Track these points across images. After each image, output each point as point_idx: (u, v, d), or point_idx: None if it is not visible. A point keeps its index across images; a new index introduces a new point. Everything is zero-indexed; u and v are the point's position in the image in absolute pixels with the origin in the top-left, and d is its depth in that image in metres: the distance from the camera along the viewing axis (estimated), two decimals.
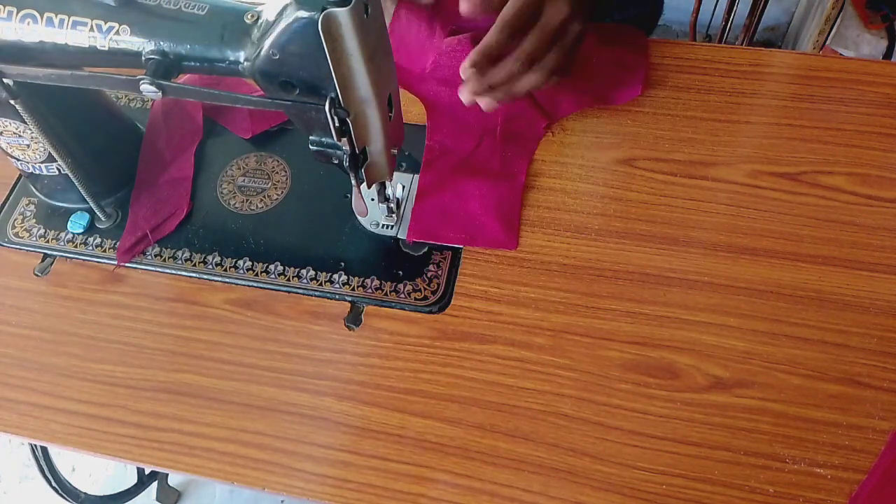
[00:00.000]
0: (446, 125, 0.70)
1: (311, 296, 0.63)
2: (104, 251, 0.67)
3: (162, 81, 0.51)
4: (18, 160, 0.65)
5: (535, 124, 0.70)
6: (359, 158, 0.55)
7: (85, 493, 1.17)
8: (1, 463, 1.43)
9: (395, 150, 0.58)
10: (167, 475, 1.33)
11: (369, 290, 0.63)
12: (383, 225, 0.66)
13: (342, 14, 0.45)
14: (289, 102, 0.51)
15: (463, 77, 0.58)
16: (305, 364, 0.60)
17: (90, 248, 0.67)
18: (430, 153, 0.69)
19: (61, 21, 0.52)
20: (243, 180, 0.70)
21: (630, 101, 0.71)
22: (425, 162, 0.68)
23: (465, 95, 0.60)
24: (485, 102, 0.60)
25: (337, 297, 0.63)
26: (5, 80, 0.55)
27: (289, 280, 0.64)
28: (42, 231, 0.68)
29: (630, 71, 0.71)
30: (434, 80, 0.72)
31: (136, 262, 0.66)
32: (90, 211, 0.68)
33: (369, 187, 0.60)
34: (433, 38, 0.71)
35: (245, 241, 0.66)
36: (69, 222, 0.68)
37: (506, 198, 0.66)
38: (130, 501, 1.30)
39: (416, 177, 0.68)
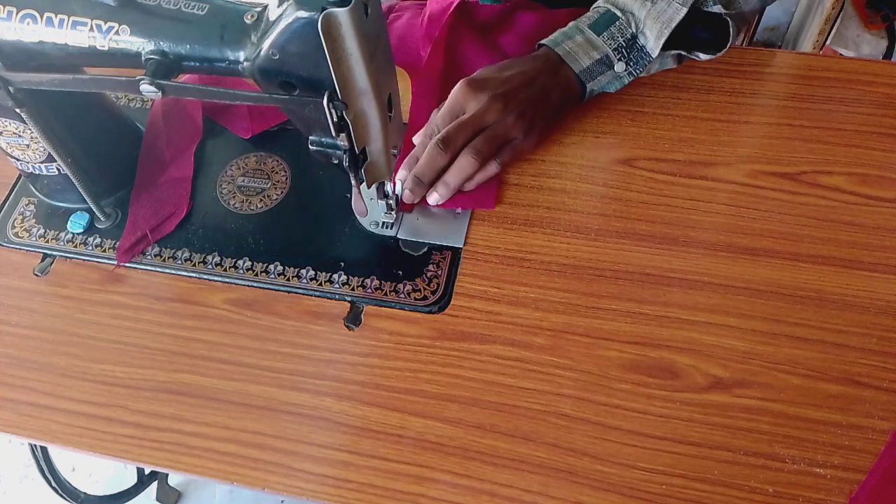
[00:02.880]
0: (428, 92, 0.70)
1: (311, 296, 0.63)
2: (104, 251, 0.67)
3: (162, 81, 0.51)
4: (18, 160, 0.65)
5: None
6: (359, 158, 0.55)
7: (85, 493, 1.17)
8: (1, 463, 1.43)
9: (395, 150, 0.58)
10: (167, 475, 1.33)
11: (369, 290, 0.63)
12: (383, 225, 0.66)
13: (342, 14, 0.45)
14: (287, 98, 0.51)
15: (399, 180, 0.65)
16: (305, 364, 0.60)
17: (90, 248, 0.67)
18: (413, 118, 0.69)
19: (61, 21, 0.52)
20: (243, 180, 0.70)
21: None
22: (409, 128, 0.69)
23: (405, 195, 0.65)
24: (431, 199, 0.65)
25: (337, 297, 0.63)
26: (10, 89, 0.55)
27: (289, 280, 0.64)
28: (42, 231, 0.68)
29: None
30: (420, 45, 0.73)
31: (135, 262, 0.66)
32: (90, 211, 0.68)
33: (369, 187, 0.60)
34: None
35: (245, 241, 0.66)
36: (69, 222, 0.68)
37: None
38: (130, 501, 1.30)
39: None
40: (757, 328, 0.59)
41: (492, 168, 0.65)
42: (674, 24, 0.66)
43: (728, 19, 0.68)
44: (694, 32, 0.70)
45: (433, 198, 0.65)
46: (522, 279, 0.63)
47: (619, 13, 0.68)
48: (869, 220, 0.64)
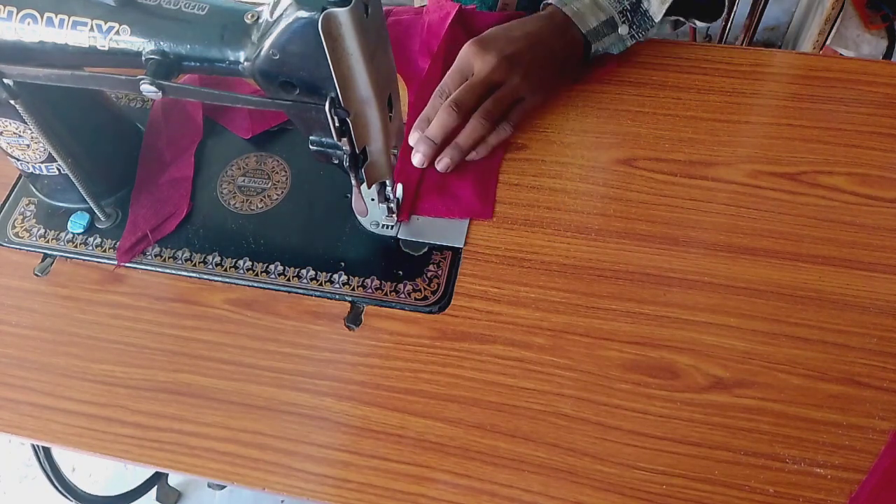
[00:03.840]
0: (426, 99, 0.70)
1: (311, 296, 0.63)
2: (104, 251, 0.67)
3: (162, 81, 0.51)
4: (18, 160, 0.65)
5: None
6: (359, 158, 0.55)
7: (88, 494, 1.16)
8: (1, 463, 1.43)
9: (396, 150, 0.58)
10: (167, 475, 1.33)
11: (369, 290, 0.63)
12: (383, 225, 0.66)
13: (342, 14, 0.45)
14: (289, 102, 0.51)
15: (411, 143, 0.66)
16: (305, 364, 0.60)
17: (90, 248, 0.67)
18: (411, 127, 0.70)
19: (61, 21, 0.52)
20: (243, 180, 0.70)
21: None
22: (406, 134, 0.69)
23: (416, 159, 0.66)
24: (441, 165, 0.66)
25: (337, 297, 0.63)
26: (5, 81, 0.55)
27: (289, 280, 0.64)
28: (42, 231, 0.68)
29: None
30: (419, 54, 0.73)
31: (136, 262, 0.66)
32: (90, 211, 0.68)
33: (369, 187, 0.60)
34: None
35: (245, 241, 0.66)
36: (69, 222, 0.68)
37: (482, 170, 0.68)
38: (130, 502, 1.30)
39: None
40: (757, 328, 0.59)
41: (505, 131, 0.67)
42: None
43: None
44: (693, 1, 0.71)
45: (443, 163, 0.66)
46: (522, 279, 0.63)
47: None
48: (869, 220, 0.64)
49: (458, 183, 0.67)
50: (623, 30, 0.70)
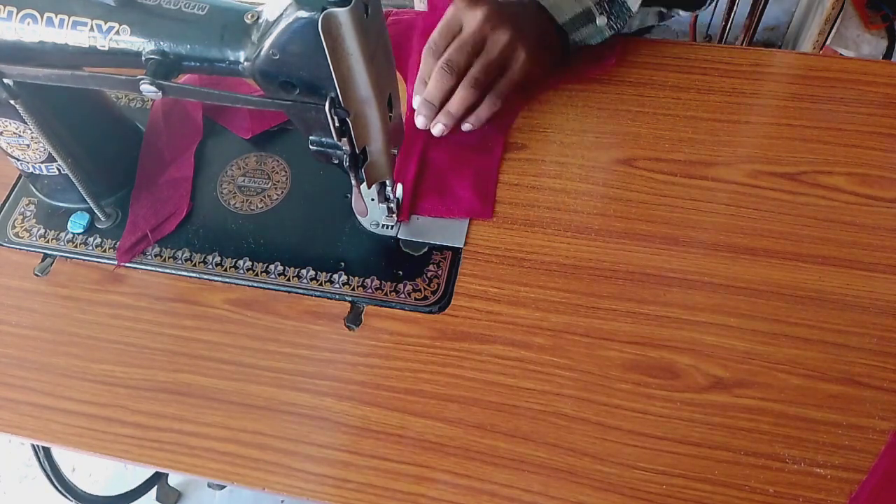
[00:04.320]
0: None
1: (311, 296, 0.63)
2: (104, 251, 0.67)
3: (162, 81, 0.51)
4: (18, 160, 0.65)
5: (512, 102, 0.71)
6: (359, 158, 0.55)
7: (88, 494, 1.16)
8: (1, 463, 1.43)
9: (395, 150, 0.58)
10: (167, 475, 1.33)
11: (369, 290, 0.63)
12: (383, 225, 0.66)
13: (342, 14, 0.45)
14: (289, 102, 0.51)
15: (415, 107, 0.66)
16: (305, 364, 0.60)
17: (90, 248, 0.67)
18: (409, 127, 0.70)
19: (61, 21, 0.52)
20: (243, 180, 0.70)
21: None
22: (406, 137, 0.69)
23: (419, 121, 0.67)
24: (436, 129, 0.66)
25: (337, 297, 0.63)
26: (5, 81, 0.55)
27: (289, 280, 0.64)
28: (42, 231, 0.68)
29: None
30: (417, 52, 0.73)
31: (136, 262, 0.66)
32: (90, 211, 0.68)
33: (369, 187, 0.60)
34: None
35: (245, 241, 0.66)
36: (69, 222, 0.68)
37: (482, 170, 0.68)
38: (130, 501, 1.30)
39: None
40: (757, 328, 0.59)
41: (495, 103, 0.66)
42: None
43: None
44: None
45: (437, 128, 0.66)
46: (522, 279, 0.63)
47: None
48: (869, 220, 0.64)
49: (458, 183, 0.67)
50: (601, 20, 0.69)
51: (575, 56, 0.72)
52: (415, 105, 0.67)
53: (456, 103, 0.65)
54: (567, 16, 0.69)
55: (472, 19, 0.66)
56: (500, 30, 0.66)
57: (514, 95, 0.69)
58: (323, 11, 0.44)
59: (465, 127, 0.67)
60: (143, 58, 0.52)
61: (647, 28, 0.81)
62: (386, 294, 0.63)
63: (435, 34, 0.67)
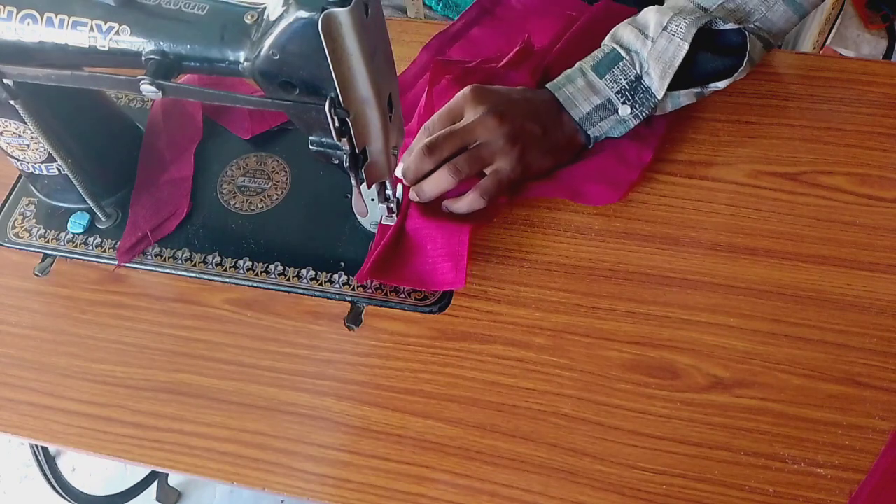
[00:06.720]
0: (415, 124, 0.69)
1: (311, 296, 0.63)
2: (104, 251, 0.67)
3: (162, 81, 0.51)
4: (18, 160, 0.65)
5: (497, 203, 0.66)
6: (359, 158, 0.55)
7: (84, 493, 1.16)
8: (1, 463, 1.43)
9: (396, 150, 0.58)
10: (167, 475, 1.33)
11: (369, 290, 0.63)
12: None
13: (342, 14, 0.45)
14: (289, 103, 0.51)
15: (398, 175, 0.63)
16: (305, 364, 0.60)
17: (90, 248, 0.67)
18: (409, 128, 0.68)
19: (61, 21, 0.52)
20: (243, 180, 0.70)
21: None
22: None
23: (399, 173, 0.63)
24: (411, 196, 0.65)
25: (337, 297, 0.63)
26: (5, 81, 0.55)
27: (289, 280, 0.64)
28: (42, 231, 0.68)
29: (626, 169, 0.66)
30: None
31: (136, 262, 0.66)
32: (90, 211, 0.68)
33: (369, 187, 0.60)
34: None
35: (245, 241, 0.66)
36: (69, 222, 0.68)
37: (453, 236, 0.63)
38: (130, 501, 1.30)
39: None
40: (757, 328, 0.59)
41: (477, 201, 0.63)
42: (677, 63, 0.63)
43: (746, 32, 0.64)
44: (706, 64, 0.65)
45: (412, 196, 0.64)
46: (522, 279, 0.63)
47: (623, 52, 0.65)
48: (869, 220, 0.64)
49: (433, 253, 0.63)
50: (624, 111, 0.65)
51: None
52: (396, 173, 0.63)
53: (431, 184, 0.63)
54: (584, 110, 0.65)
55: (473, 114, 0.63)
56: (498, 134, 0.62)
57: (506, 192, 0.65)
58: (323, 12, 0.44)
59: (443, 206, 0.65)
60: (143, 58, 0.52)
61: None
62: (386, 294, 0.63)
63: (435, 116, 0.65)
